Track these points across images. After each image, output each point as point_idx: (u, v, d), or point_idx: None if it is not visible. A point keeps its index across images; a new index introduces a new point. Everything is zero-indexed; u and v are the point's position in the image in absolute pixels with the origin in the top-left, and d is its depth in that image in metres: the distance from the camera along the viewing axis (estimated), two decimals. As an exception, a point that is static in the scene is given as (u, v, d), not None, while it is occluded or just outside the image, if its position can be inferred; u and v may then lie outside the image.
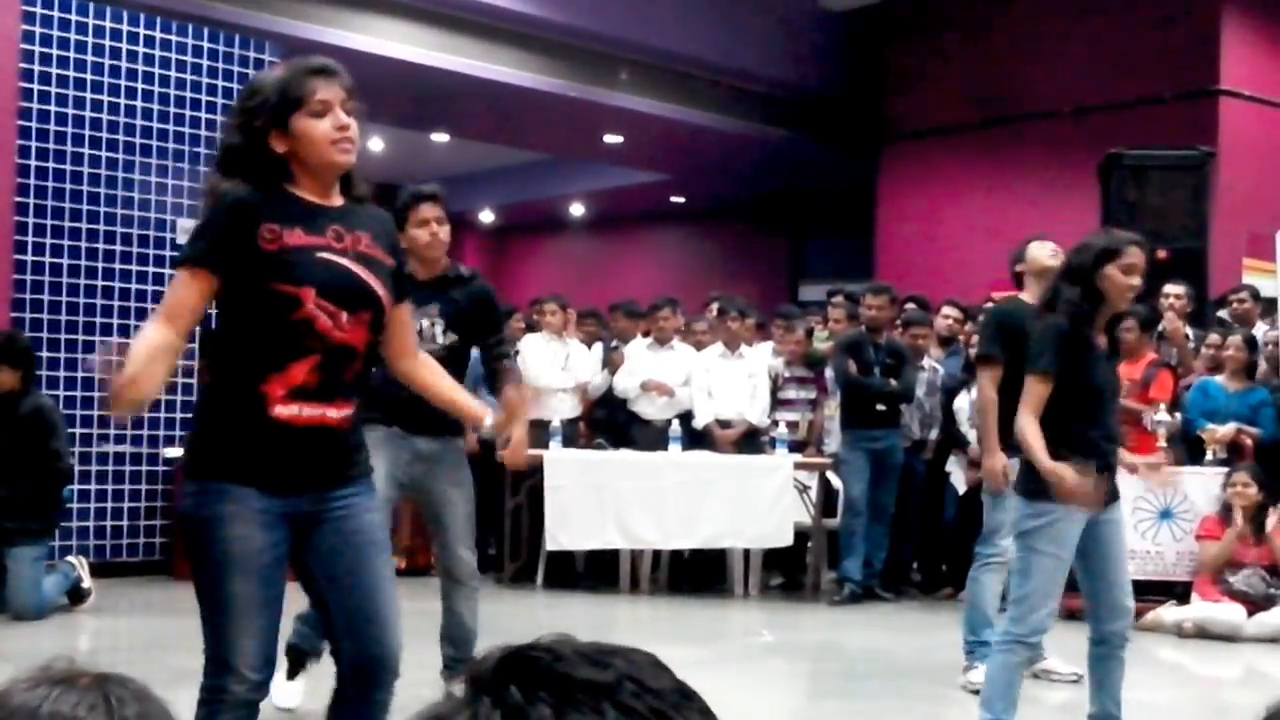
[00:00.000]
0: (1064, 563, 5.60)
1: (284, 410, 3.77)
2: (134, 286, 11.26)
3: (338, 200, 3.95)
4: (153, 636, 8.80)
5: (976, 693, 7.31)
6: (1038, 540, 5.58)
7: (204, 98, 11.65)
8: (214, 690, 3.81)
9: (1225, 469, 10.25)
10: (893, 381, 11.04)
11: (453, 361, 6.12)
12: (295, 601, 4.25)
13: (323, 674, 5.35)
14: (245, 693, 3.81)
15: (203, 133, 11.62)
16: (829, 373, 11.77)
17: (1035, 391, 5.66)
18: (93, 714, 1.42)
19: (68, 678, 1.45)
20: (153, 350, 3.68)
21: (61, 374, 10.94)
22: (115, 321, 11.14)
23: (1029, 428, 5.62)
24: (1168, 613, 9.81)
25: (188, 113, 11.57)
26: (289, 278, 3.76)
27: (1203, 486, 10.19)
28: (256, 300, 3.78)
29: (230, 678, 3.78)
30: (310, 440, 3.83)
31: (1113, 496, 5.76)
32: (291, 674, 6.34)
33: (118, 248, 11.23)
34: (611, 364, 12.47)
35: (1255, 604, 9.68)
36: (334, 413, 3.85)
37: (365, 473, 4.04)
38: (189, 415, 11.34)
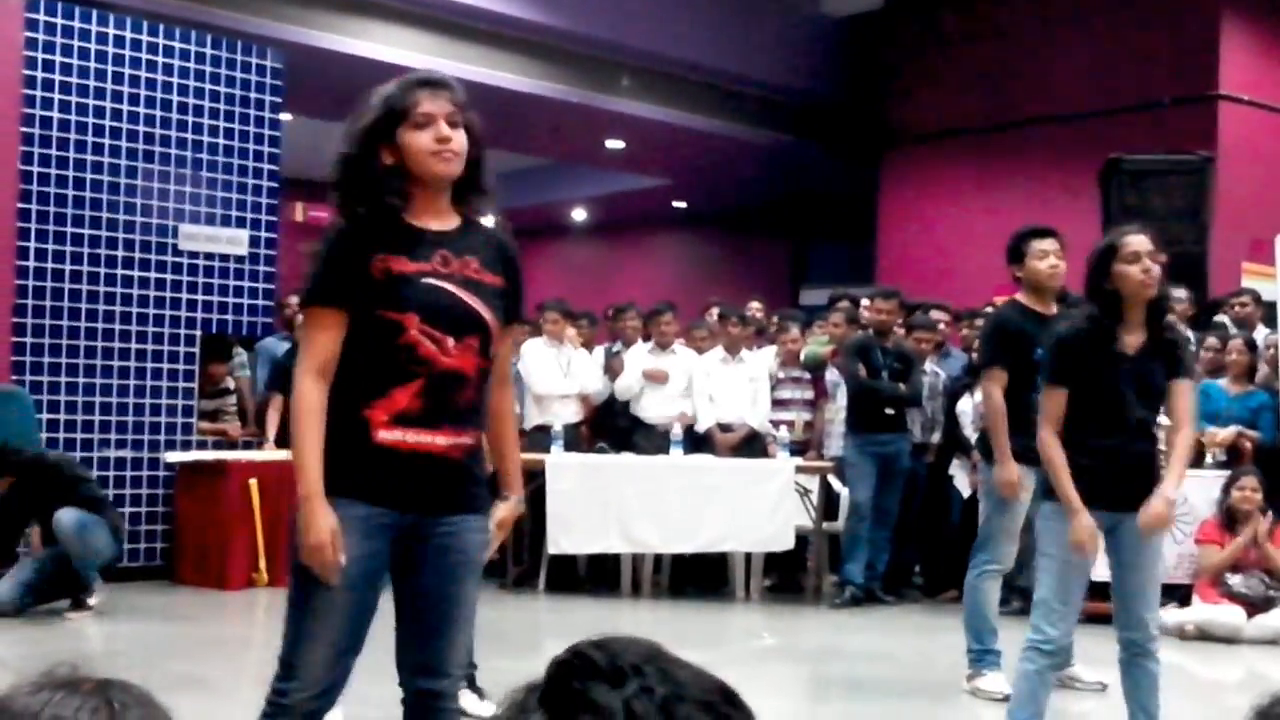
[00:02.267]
0: (1074, 565, 5.53)
1: (388, 435, 3.75)
2: (135, 292, 11.25)
3: (451, 222, 3.95)
4: (154, 642, 8.80)
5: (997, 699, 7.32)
6: (1056, 543, 5.54)
7: (206, 104, 11.65)
8: (276, 694, 3.80)
9: (1225, 472, 10.27)
10: (901, 385, 11.07)
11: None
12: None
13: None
14: (306, 701, 3.80)
15: (205, 138, 11.63)
16: (829, 376, 11.80)
17: (1049, 402, 5.64)
18: (95, 718, 1.42)
19: (70, 683, 1.46)
20: (318, 424, 3.78)
21: (63, 379, 10.95)
22: (117, 327, 11.15)
23: (1051, 447, 5.59)
24: (1168, 615, 9.79)
25: (190, 119, 11.57)
26: (393, 304, 3.76)
27: (1203, 490, 10.18)
28: (361, 326, 3.78)
29: (293, 683, 3.77)
30: (417, 466, 3.80)
31: (1141, 501, 5.57)
32: (476, 691, 6.43)
33: (120, 253, 11.22)
34: (612, 370, 12.47)
35: (1255, 606, 9.71)
36: (442, 440, 3.81)
37: (480, 507, 3.99)
38: (189, 420, 11.45)
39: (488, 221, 4.17)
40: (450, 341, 3.80)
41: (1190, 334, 11.50)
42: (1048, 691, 5.79)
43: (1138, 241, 5.54)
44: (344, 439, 3.77)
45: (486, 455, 4.13)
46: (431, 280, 3.82)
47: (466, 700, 6.37)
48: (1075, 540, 5.43)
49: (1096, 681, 7.71)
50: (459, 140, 3.88)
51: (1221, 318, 12.20)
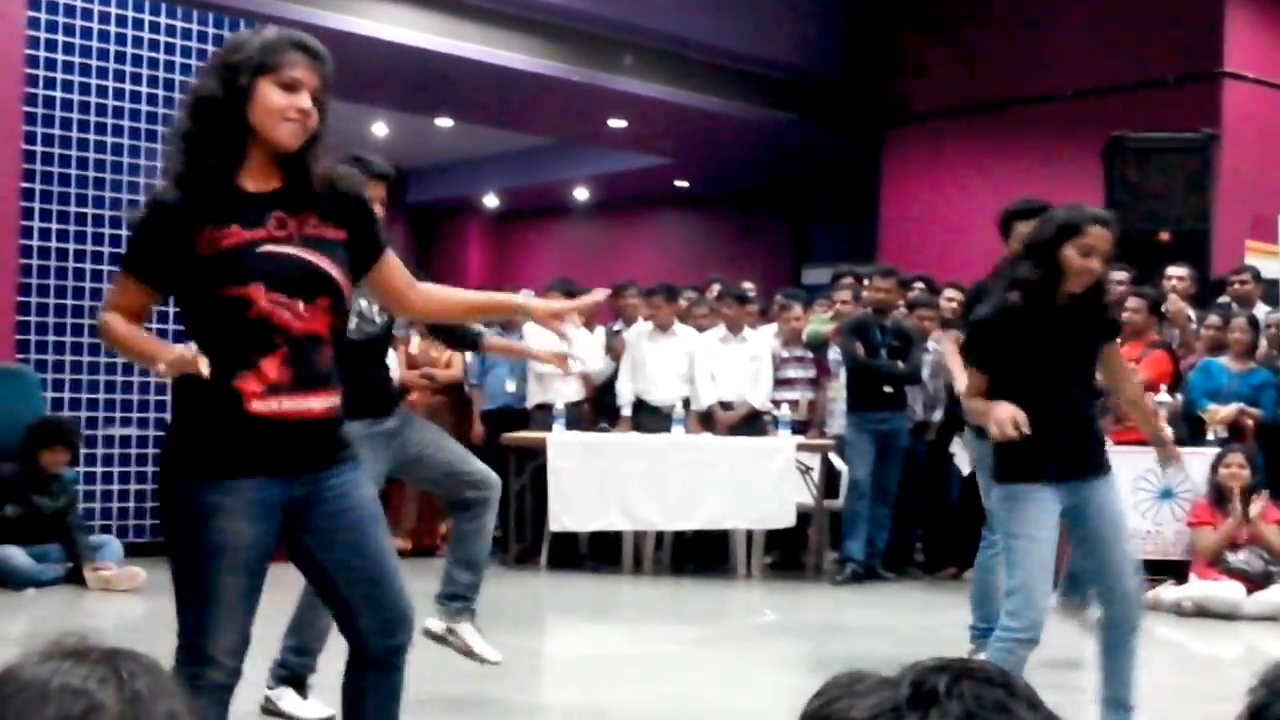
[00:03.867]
0: (1041, 544, 5.37)
1: (262, 406, 3.67)
2: (140, 271, 11.27)
3: (277, 181, 3.83)
4: (161, 615, 8.81)
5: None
6: (1011, 523, 5.42)
7: (209, 82, 11.66)
8: (191, 678, 3.68)
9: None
10: (899, 363, 11.09)
11: (389, 341, 6.09)
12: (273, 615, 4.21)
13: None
14: (223, 679, 3.77)
15: (207, 117, 11.64)
16: (832, 354, 11.82)
17: (972, 381, 5.57)
18: (103, 687, 1.44)
19: (78, 652, 1.48)
20: (129, 330, 3.88)
21: (68, 358, 10.99)
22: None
23: (972, 404, 5.56)
24: (1167, 592, 9.82)
25: (192, 97, 11.57)
26: (233, 278, 3.68)
27: (1203, 466, 10.19)
28: (208, 306, 3.71)
29: (208, 668, 3.73)
30: (297, 434, 3.76)
31: (1093, 473, 5.52)
32: (302, 693, 6.17)
33: (123, 232, 11.24)
34: (614, 350, 12.49)
35: (1254, 582, 9.71)
36: (317, 403, 3.77)
37: (354, 456, 3.96)
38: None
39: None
40: (301, 305, 3.72)
41: (1191, 312, 11.53)
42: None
43: (1099, 236, 5.37)
44: (217, 414, 3.70)
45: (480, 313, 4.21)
46: (270, 247, 3.72)
47: (471, 637, 6.30)
48: (997, 419, 5.27)
49: None
50: (314, 118, 3.76)
51: (1225, 298, 12.20)
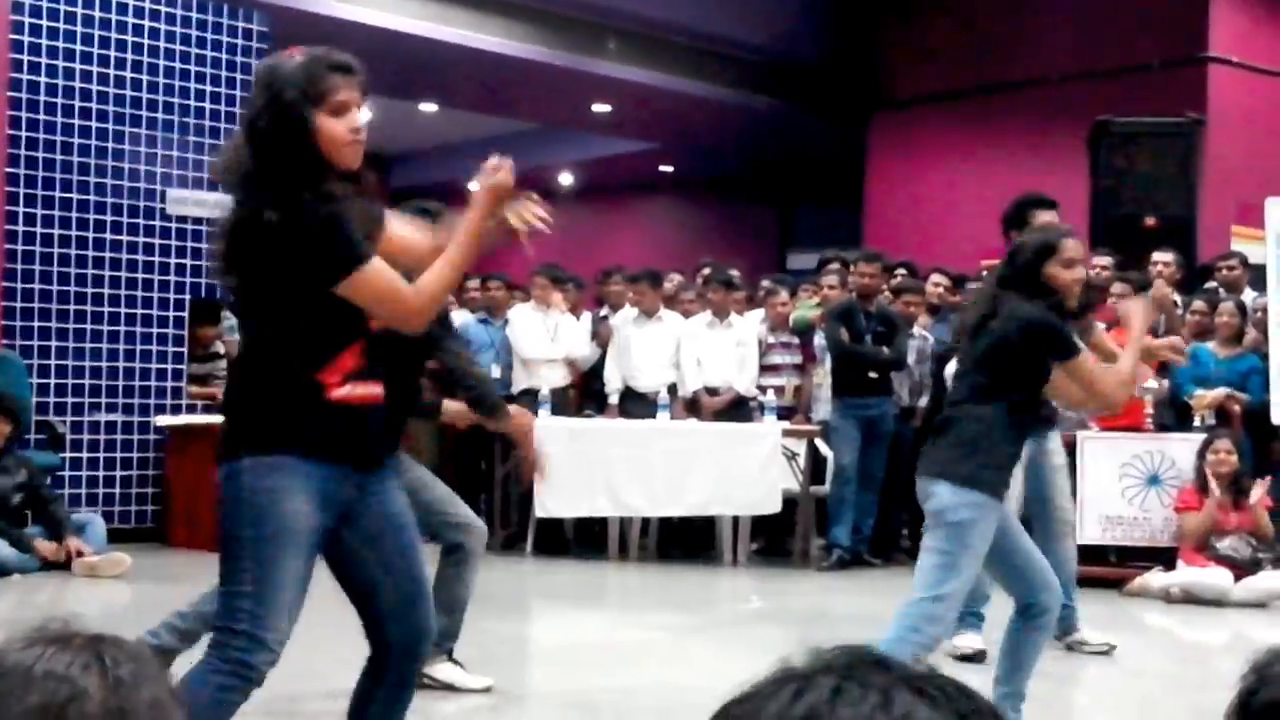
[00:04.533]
0: (979, 558, 5.35)
1: (341, 393, 3.78)
2: (125, 256, 11.27)
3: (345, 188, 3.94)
4: (146, 602, 8.81)
5: (964, 658, 7.34)
6: (971, 534, 5.30)
7: (193, 68, 11.65)
8: (242, 666, 3.73)
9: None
10: (885, 349, 11.08)
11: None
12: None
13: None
14: (268, 668, 3.77)
15: (191, 103, 11.63)
16: (818, 340, 11.80)
17: (1092, 367, 5.49)
18: (86, 674, 1.43)
19: (62, 638, 1.47)
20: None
21: (53, 344, 10.97)
22: (107, 291, 11.17)
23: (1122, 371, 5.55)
24: (1154, 578, 9.83)
25: (176, 83, 11.57)
26: None
27: (1190, 452, 10.20)
28: (315, 298, 3.77)
29: (262, 654, 3.73)
30: (368, 417, 3.86)
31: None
32: (458, 665, 6.37)
33: (108, 218, 11.23)
34: (600, 336, 12.48)
35: (1242, 569, 9.69)
36: (378, 390, 3.88)
37: (397, 464, 4.13)
38: (179, 385, 11.45)
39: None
40: None
41: (1178, 297, 11.53)
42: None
43: (1074, 247, 5.49)
44: (296, 400, 3.79)
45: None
46: None
47: (451, 673, 6.36)
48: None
49: (1104, 643, 7.71)
50: (365, 128, 3.89)
51: (1213, 283, 12.21)
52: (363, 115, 3.86)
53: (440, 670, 6.30)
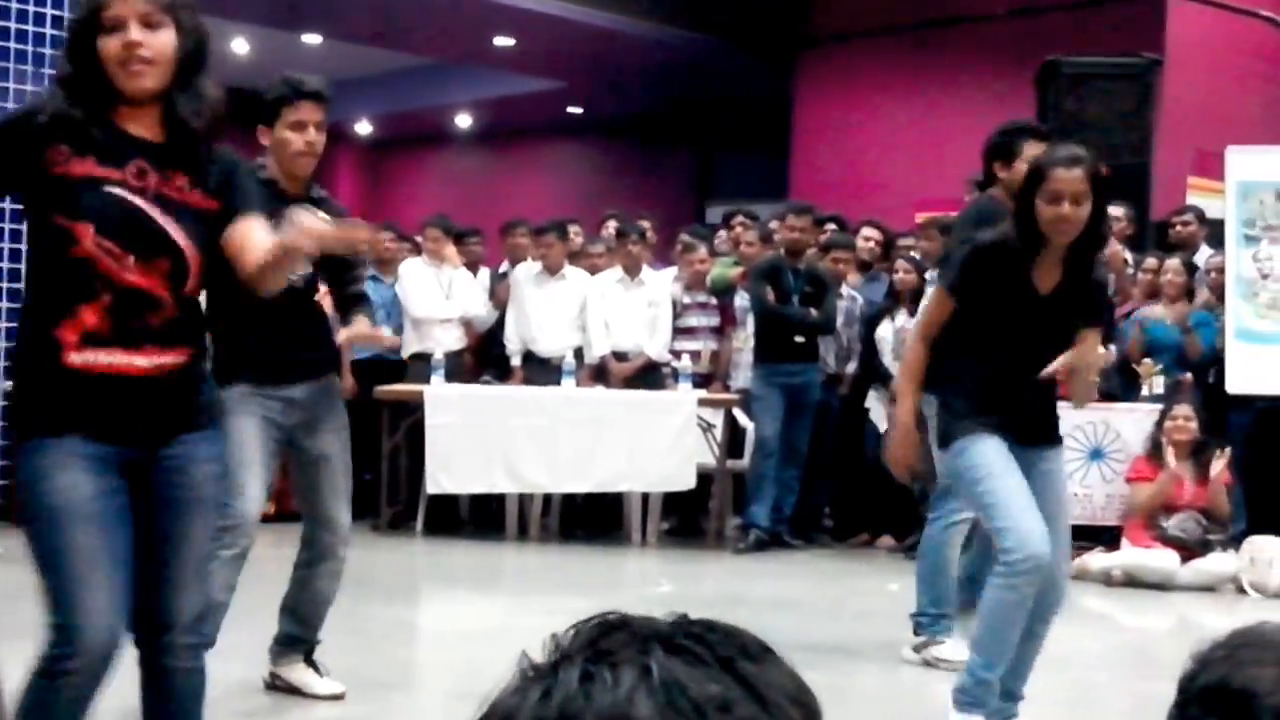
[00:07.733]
0: (1002, 475, 5.40)
1: (77, 358, 3.77)
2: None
3: (161, 135, 3.92)
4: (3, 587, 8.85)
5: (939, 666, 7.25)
6: (970, 472, 5.48)
7: None
8: (53, 661, 3.74)
9: (1160, 406, 10.41)
10: (813, 311, 11.12)
11: (310, 295, 6.11)
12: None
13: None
14: (88, 664, 3.74)
15: None
16: (738, 301, 11.83)
17: (938, 308, 5.70)
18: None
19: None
20: None
21: None
22: None
23: (914, 354, 5.74)
24: (1095, 559, 9.99)
25: None
26: (66, 210, 3.76)
27: (1136, 424, 10.37)
28: (39, 233, 3.81)
29: (73, 645, 3.71)
30: (118, 390, 3.83)
31: (1045, 442, 5.66)
32: (313, 667, 6.30)
33: None
34: (498, 296, 12.53)
35: (1190, 550, 9.85)
36: (143, 360, 3.82)
37: (204, 424, 4.04)
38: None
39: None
40: (131, 259, 3.80)
41: (1129, 255, 11.69)
42: (1020, 626, 5.57)
43: (1065, 179, 5.34)
44: (37, 364, 3.81)
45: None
46: (117, 190, 3.81)
47: (302, 676, 6.36)
48: (892, 456, 5.69)
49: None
50: (155, 45, 3.81)
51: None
52: (133, 31, 3.77)
53: (292, 672, 6.32)
